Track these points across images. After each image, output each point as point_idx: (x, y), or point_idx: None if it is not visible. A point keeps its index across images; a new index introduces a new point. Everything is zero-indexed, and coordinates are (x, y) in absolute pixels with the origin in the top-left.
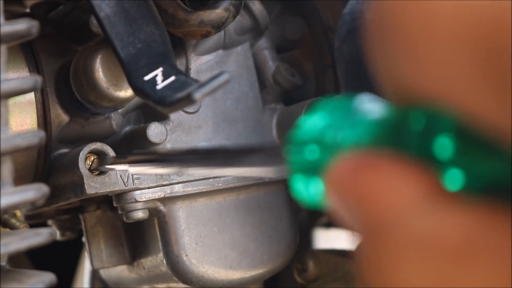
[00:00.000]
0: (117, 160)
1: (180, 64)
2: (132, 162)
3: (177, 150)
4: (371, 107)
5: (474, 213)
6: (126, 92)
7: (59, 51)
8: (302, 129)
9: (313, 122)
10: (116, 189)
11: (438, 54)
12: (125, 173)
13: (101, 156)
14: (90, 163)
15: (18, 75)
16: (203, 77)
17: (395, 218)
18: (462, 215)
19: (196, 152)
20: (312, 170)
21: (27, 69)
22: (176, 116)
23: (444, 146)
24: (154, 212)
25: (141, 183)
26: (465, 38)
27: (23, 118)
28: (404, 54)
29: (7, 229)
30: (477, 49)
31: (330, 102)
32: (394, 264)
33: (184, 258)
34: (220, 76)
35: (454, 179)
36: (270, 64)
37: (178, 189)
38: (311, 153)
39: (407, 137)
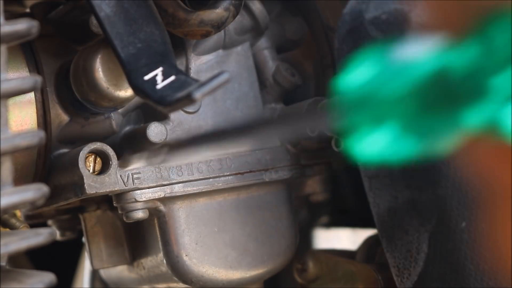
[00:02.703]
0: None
1: (180, 64)
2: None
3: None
4: (413, 56)
5: None
6: (126, 92)
7: (59, 51)
8: (348, 83)
9: (357, 76)
10: (116, 189)
11: None
12: (125, 173)
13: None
14: (91, 165)
15: (18, 75)
16: (203, 77)
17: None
18: None
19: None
20: (373, 122)
21: (27, 69)
22: (176, 116)
23: (504, 81)
24: (154, 212)
25: (141, 183)
26: None
27: (23, 118)
28: None
29: (7, 229)
30: None
31: (371, 52)
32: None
33: (184, 258)
34: (220, 75)
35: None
36: (270, 64)
37: (178, 189)
38: (368, 106)
39: (458, 78)
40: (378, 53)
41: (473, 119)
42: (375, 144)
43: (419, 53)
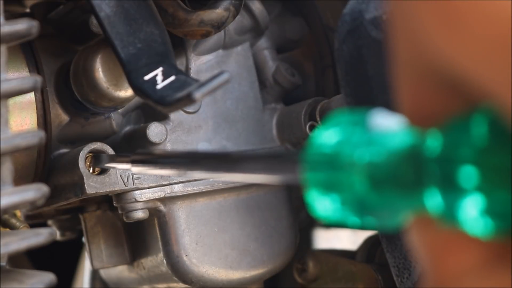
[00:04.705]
0: (119, 159)
1: (180, 64)
2: (134, 162)
3: (179, 152)
4: (388, 123)
5: None
6: (126, 92)
7: (59, 51)
8: (317, 143)
9: (328, 136)
10: (116, 189)
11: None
12: (125, 173)
13: (98, 155)
14: (89, 163)
15: (18, 75)
16: (203, 77)
17: (459, 278)
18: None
19: (197, 156)
20: (328, 186)
21: (27, 69)
22: (176, 116)
23: (468, 174)
24: (154, 212)
25: (141, 183)
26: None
27: (23, 118)
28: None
29: (7, 229)
30: None
31: (346, 116)
32: None
33: (184, 258)
34: (220, 75)
35: (475, 205)
36: (270, 64)
37: (178, 189)
38: (327, 169)
39: (426, 161)
40: (357, 117)
41: (432, 203)
42: (325, 206)
43: (395, 127)
